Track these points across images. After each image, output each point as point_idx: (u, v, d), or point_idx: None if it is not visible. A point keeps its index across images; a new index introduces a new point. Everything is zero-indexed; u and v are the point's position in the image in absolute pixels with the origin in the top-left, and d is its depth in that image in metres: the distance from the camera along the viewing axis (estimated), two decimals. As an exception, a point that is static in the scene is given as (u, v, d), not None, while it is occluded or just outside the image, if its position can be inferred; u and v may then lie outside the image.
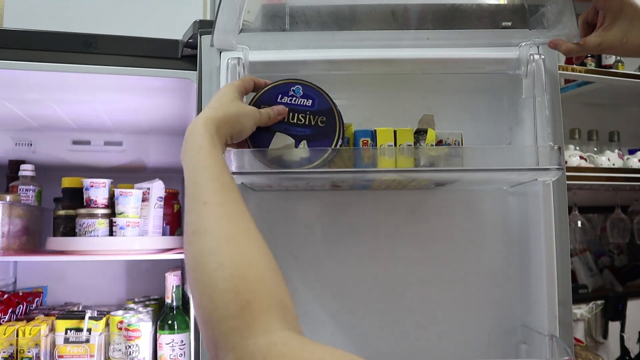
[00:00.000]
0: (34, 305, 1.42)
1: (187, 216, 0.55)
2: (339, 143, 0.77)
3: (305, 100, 0.77)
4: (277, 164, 0.76)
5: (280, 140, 0.76)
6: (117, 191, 1.24)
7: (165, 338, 1.17)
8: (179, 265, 1.40)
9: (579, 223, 2.08)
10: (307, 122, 0.77)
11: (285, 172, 0.79)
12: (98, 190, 1.25)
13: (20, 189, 1.40)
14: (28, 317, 1.26)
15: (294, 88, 0.77)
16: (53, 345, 1.15)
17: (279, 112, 0.76)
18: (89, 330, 1.15)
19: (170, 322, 1.17)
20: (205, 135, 0.61)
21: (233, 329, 0.44)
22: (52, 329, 1.17)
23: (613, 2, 0.75)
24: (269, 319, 0.45)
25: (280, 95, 0.78)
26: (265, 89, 0.78)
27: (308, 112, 0.77)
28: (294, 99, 0.77)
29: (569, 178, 1.67)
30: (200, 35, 0.95)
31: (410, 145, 0.84)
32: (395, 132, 0.85)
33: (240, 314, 0.45)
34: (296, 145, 0.77)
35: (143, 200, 1.28)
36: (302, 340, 0.43)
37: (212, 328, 0.46)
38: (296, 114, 0.77)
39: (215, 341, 0.45)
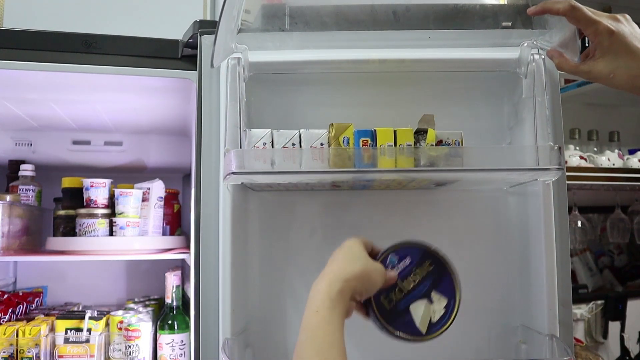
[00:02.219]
0: (34, 305, 1.42)
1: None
2: (457, 276, 0.77)
3: (404, 261, 0.76)
4: (415, 334, 0.75)
5: (418, 310, 0.75)
6: (117, 191, 1.25)
7: (165, 338, 1.17)
8: (179, 265, 1.40)
9: (579, 223, 2.08)
10: (420, 278, 0.76)
11: (285, 172, 0.79)
12: (98, 190, 1.25)
13: (20, 189, 1.40)
14: (28, 317, 1.26)
15: (388, 261, 0.76)
16: (53, 345, 1.15)
17: (390, 278, 0.74)
18: (89, 330, 1.15)
19: (170, 322, 1.17)
20: (325, 298, 0.60)
21: None
22: (52, 329, 1.17)
23: (603, 37, 0.75)
24: None
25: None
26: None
27: (414, 269, 0.76)
28: (395, 267, 0.76)
29: (569, 178, 1.67)
30: (200, 35, 0.95)
31: (410, 145, 0.84)
32: (395, 132, 0.85)
33: None
34: (431, 301, 0.76)
35: (143, 200, 1.28)
36: None
37: None
38: (408, 278, 0.76)
39: None
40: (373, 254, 0.75)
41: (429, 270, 0.76)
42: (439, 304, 0.76)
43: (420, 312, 0.75)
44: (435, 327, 0.75)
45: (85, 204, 1.25)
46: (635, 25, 0.77)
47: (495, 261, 1.01)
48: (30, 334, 1.13)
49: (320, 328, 0.58)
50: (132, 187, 1.27)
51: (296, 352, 0.58)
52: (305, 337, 0.59)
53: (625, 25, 0.76)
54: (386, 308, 0.74)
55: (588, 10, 0.76)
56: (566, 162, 1.81)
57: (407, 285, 0.76)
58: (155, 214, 1.30)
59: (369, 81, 1.01)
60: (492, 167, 0.81)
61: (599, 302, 2.11)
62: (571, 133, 2.03)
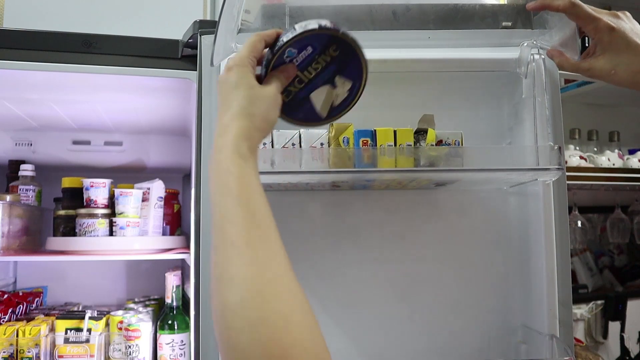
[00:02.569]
0: (34, 305, 1.42)
1: (213, 254, 0.50)
2: (364, 56, 0.69)
3: (304, 51, 0.67)
4: (315, 120, 0.70)
5: (320, 96, 0.70)
6: (117, 191, 1.25)
7: (165, 338, 1.17)
8: (179, 265, 1.40)
9: (579, 223, 2.08)
10: (323, 64, 0.68)
11: (285, 172, 0.79)
12: (98, 190, 1.25)
13: (20, 189, 1.40)
14: (28, 317, 1.26)
15: (285, 55, 0.67)
16: (53, 345, 1.15)
17: (286, 75, 0.66)
18: (89, 330, 1.15)
19: (170, 322, 1.17)
20: (233, 156, 0.54)
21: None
22: (52, 329, 1.17)
23: (603, 34, 0.75)
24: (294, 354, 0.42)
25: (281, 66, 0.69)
26: (264, 71, 0.68)
27: (316, 56, 0.68)
28: (295, 59, 0.67)
29: (569, 178, 1.67)
30: (200, 35, 0.95)
31: (410, 145, 0.84)
32: (395, 132, 0.85)
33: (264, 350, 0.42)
34: (334, 86, 0.69)
35: (143, 200, 1.28)
36: None
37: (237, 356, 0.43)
38: (309, 68, 0.68)
39: None
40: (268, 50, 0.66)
41: (334, 56, 0.68)
42: (343, 87, 0.70)
43: (322, 97, 0.69)
44: (336, 110, 0.70)
45: (85, 204, 1.25)
46: (636, 22, 0.77)
47: (495, 261, 1.01)
48: (30, 334, 1.13)
49: (239, 184, 0.53)
50: (132, 187, 1.27)
51: (217, 223, 0.51)
52: (227, 197, 0.52)
53: (625, 22, 0.76)
54: (284, 101, 0.67)
55: (588, 7, 0.76)
56: (566, 162, 1.81)
57: (307, 75, 0.69)
58: (155, 214, 1.30)
59: (369, 81, 1.01)
60: (492, 167, 0.81)
61: (599, 302, 2.11)
62: (571, 133, 2.03)
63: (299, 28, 0.65)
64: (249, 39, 0.64)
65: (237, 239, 0.49)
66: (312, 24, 0.65)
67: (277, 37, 0.67)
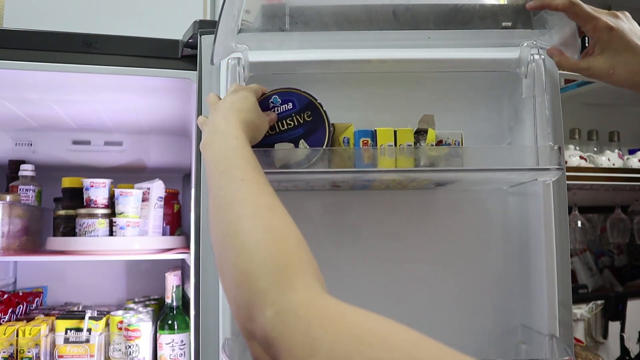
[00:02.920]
0: (34, 305, 1.42)
1: (220, 191, 0.57)
2: (330, 130, 0.81)
3: (286, 105, 0.81)
4: (284, 167, 0.79)
5: (281, 150, 0.80)
6: (117, 191, 1.25)
7: (165, 338, 1.17)
8: (179, 265, 1.40)
9: (579, 223, 2.08)
10: (296, 123, 0.80)
11: (285, 172, 0.79)
12: (98, 190, 1.25)
13: (20, 189, 1.40)
14: (28, 317, 1.26)
15: (271, 100, 0.80)
16: (53, 345, 1.15)
17: (271, 120, 0.79)
18: (89, 330, 1.15)
19: (170, 322, 1.17)
20: (237, 130, 0.64)
21: (273, 285, 0.45)
22: (52, 329, 1.17)
23: (602, 33, 0.75)
24: (310, 281, 0.46)
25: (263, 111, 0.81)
26: None
27: (293, 114, 0.80)
28: (276, 108, 0.81)
29: (569, 178, 1.67)
30: (200, 35, 0.95)
31: (410, 145, 0.84)
32: (395, 132, 0.85)
33: (281, 272, 0.46)
34: (296, 147, 0.80)
35: (143, 200, 1.28)
36: (341, 302, 0.43)
37: (248, 287, 0.46)
38: (284, 121, 0.80)
39: (251, 299, 0.46)
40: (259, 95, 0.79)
41: (307, 120, 0.80)
42: (303, 152, 0.80)
43: (284, 152, 0.79)
44: (289, 168, 0.79)
45: (85, 204, 1.25)
46: (635, 23, 0.77)
47: (495, 261, 1.01)
48: (30, 334, 1.13)
49: (245, 147, 0.62)
50: (132, 187, 1.27)
51: (223, 169, 0.60)
52: (234, 153, 0.61)
53: (624, 21, 0.76)
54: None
55: (587, 7, 0.76)
56: (566, 162, 1.81)
57: (281, 126, 0.80)
58: (155, 214, 1.30)
59: (369, 81, 1.01)
60: (492, 167, 0.81)
61: (599, 302, 2.11)
62: (571, 133, 2.03)
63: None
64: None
65: (246, 176, 0.57)
66: (299, 88, 0.81)
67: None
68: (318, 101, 0.81)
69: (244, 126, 0.66)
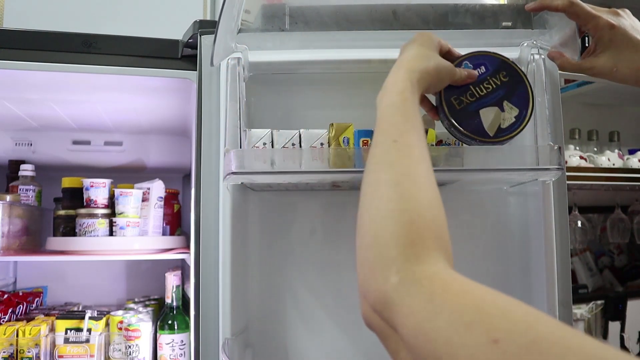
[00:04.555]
0: (34, 305, 1.42)
1: (373, 149, 0.57)
2: (531, 86, 0.78)
3: (479, 69, 0.77)
4: (498, 134, 0.75)
5: (489, 114, 0.76)
6: (117, 191, 1.25)
7: (165, 338, 1.17)
8: (179, 265, 1.40)
9: (579, 223, 2.08)
10: (494, 86, 0.76)
11: (285, 172, 0.79)
12: (98, 190, 1.25)
13: (20, 189, 1.40)
14: (28, 317, 1.26)
15: (462, 66, 0.77)
16: (53, 345, 1.15)
17: (469, 75, 0.75)
18: (89, 330, 1.15)
19: (170, 322, 1.17)
20: (406, 83, 0.62)
21: (401, 255, 0.45)
22: (52, 329, 1.17)
23: (604, 31, 0.75)
24: (437, 256, 0.46)
25: None
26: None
27: (488, 77, 0.77)
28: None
29: (569, 178, 1.67)
30: (200, 35, 0.95)
31: (411, 145, 0.84)
32: (395, 132, 0.85)
33: (411, 244, 0.46)
34: (502, 110, 0.76)
35: (143, 200, 1.28)
36: (465, 278, 0.44)
37: (377, 252, 0.47)
38: (481, 86, 0.76)
39: (376, 264, 0.46)
40: (448, 57, 0.75)
41: (504, 81, 0.77)
42: (510, 113, 0.76)
43: (491, 116, 0.75)
44: (503, 133, 0.75)
45: (85, 204, 1.25)
46: (636, 19, 0.77)
47: (495, 261, 1.01)
48: (30, 334, 1.13)
49: (406, 104, 0.59)
50: (132, 187, 1.27)
51: (382, 127, 0.58)
52: (395, 110, 0.59)
53: (625, 19, 0.76)
54: (455, 107, 0.75)
55: (587, 6, 0.76)
56: (566, 162, 1.81)
57: (479, 91, 0.76)
58: (155, 214, 1.30)
59: (370, 81, 1.01)
60: (492, 167, 0.81)
61: (599, 302, 2.11)
62: (571, 133, 2.03)
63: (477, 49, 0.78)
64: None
65: (400, 139, 0.55)
66: (489, 50, 0.78)
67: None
68: (511, 60, 0.78)
69: (415, 76, 0.64)
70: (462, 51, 0.78)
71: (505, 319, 0.36)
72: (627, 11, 0.77)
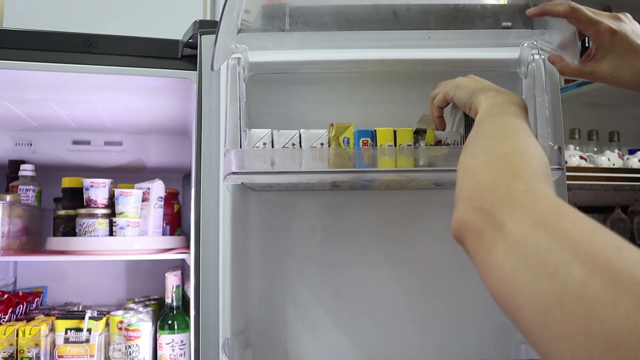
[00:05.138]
0: (34, 305, 1.42)
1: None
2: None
3: None
4: None
5: None
6: (117, 191, 1.25)
7: (165, 338, 1.17)
8: (179, 265, 1.40)
9: (579, 223, 2.08)
10: None
11: (285, 172, 0.79)
12: (98, 190, 1.25)
13: (20, 189, 1.40)
14: (28, 317, 1.26)
15: None
16: (53, 345, 1.15)
17: None
18: (89, 330, 1.15)
19: (170, 322, 1.17)
20: (520, 117, 0.63)
21: (529, 175, 0.48)
22: (52, 329, 1.17)
23: (604, 36, 0.74)
24: (545, 185, 0.50)
25: None
26: None
27: None
28: None
29: (569, 178, 1.67)
30: (200, 35, 0.95)
31: (410, 146, 0.84)
32: (395, 132, 0.85)
33: (535, 175, 0.49)
34: None
35: (143, 200, 1.28)
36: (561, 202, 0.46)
37: (508, 169, 0.49)
38: None
39: (509, 176, 0.48)
40: None
41: None
42: None
43: None
44: None
45: (85, 204, 1.25)
46: (637, 23, 0.77)
47: (495, 261, 1.01)
48: (30, 334, 1.13)
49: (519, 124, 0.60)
50: (132, 187, 1.27)
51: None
52: (504, 121, 0.61)
53: (626, 23, 0.76)
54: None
55: (588, 11, 0.76)
56: (566, 162, 1.81)
57: None
58: (155, 214, 1.30)
59: (369, 81, 1.01)
60: (492, 167, 0.81)
61: (599, 302, 2.11)
62: (571, 133, 2.03)
63: None
64: None
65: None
66: None
67: None
68: None
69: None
70: (462, 51, 0.78)
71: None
72: (628, 15, 0.77)
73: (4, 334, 1.13)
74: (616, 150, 1.98)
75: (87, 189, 1.25)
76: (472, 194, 0.48)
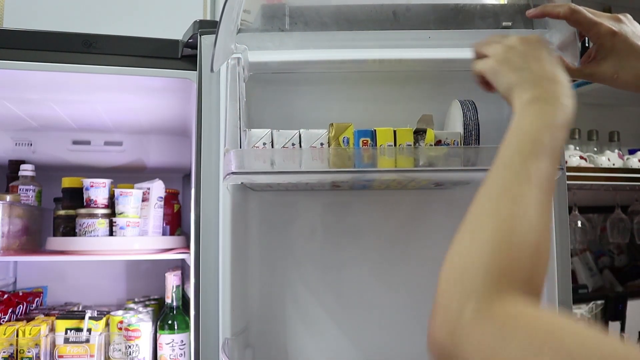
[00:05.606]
0: (34, 305, 1.42)
1: (490, 172, 0.56)
2: None
3: None
4: None
5: None
6: (117, 191, 1.25)
7: (165, 338, 1.17)
8: (179, 265, 1.40)
9: (579, 223, 2.08)
10: None
11: (285, 172, 0.79)
12: (98, 190, 1.25)
13: (20, 189, 1.40)
14: (28, 317, 1.26)
15: None
16: (53, 345, 1.15)
17: None
18: (89, 330, 1.15)
19: (170, 322, 1.17)
20: (549, 154, 0.57)
21: (484, 287, 0.45)
22: (52, 329, 1.17)
23: (605, 38, 0.74)
24: (518, 294, 0.45)
25: None
26: None
27: None
28: None
29: (569, 178, 1.67)
30: (200, 35, 0.95)
31: (410, 146, 0.84)
32: (395, 132, 0.85)
33: (496, 282, 0.46)
34: None
35: (143, 200, 1.28)
36: (543, 310, 0.44)
37: (461, 281, 0.49)
38: None
39: (461, 293, 0.47)
40: None
41: None
42: None
43: None
44: None
45: (85, 204, 1.25)
46: (637, 24, 0.77)
47: (495, 261, 1.01)
48: (30, 334, 1.13)
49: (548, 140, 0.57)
50: (132, 187, 1.27)
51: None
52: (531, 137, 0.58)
53: (627, 25, 0.75)
54: None
55: (588, 12, 0.75)
56: (566, 162, 1.81)
57: None
58: (155, 214, 1.30)
59: (369, 81, 1.01)
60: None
61: (599, 302, 2.11)
62: (571, 133, 2.02)
63: None
64: None
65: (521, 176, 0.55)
66: None
67: None
68: None
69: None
70: (462, 51, 0.78)
71: (576, 340, 0.36)
72: (629, 16, 0.77)
73: (4, 334, 1.13)
74: (616, 150, 1.98)
75: (87, 189, 1.25)
76: (445, 300, 0.48)
